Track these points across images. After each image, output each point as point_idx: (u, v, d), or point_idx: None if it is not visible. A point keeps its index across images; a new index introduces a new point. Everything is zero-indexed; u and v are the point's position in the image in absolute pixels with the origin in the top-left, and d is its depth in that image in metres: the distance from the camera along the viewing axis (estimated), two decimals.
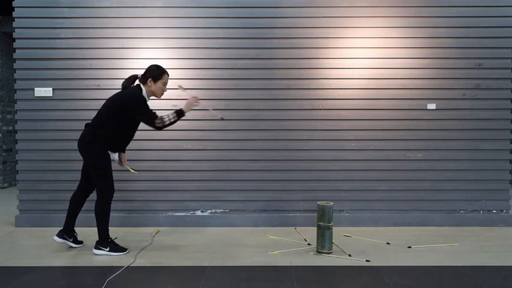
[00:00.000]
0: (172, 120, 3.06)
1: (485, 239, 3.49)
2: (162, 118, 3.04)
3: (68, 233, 3.16)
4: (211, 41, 3.88)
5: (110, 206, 3.10)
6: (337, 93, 3.91)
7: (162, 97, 3.82)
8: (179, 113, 3.10)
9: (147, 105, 3.06)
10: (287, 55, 3.88)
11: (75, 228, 3.23)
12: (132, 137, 3.22)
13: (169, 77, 3.82)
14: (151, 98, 3.17)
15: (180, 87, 3.40)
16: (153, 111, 3.11)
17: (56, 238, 3.13)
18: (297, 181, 3.93)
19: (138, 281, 2.54)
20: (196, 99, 3.18)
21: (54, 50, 3.84)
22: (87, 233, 3.48)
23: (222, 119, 3.44)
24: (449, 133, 3.93)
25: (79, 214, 3.22)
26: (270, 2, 3.87)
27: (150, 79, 3.07)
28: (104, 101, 3.81)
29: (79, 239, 3.27)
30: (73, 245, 3.19)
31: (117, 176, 3.86)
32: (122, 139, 3.13)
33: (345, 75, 3.90)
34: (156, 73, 3.09)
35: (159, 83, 3.10)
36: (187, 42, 3.87)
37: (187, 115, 3.89)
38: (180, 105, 3.86)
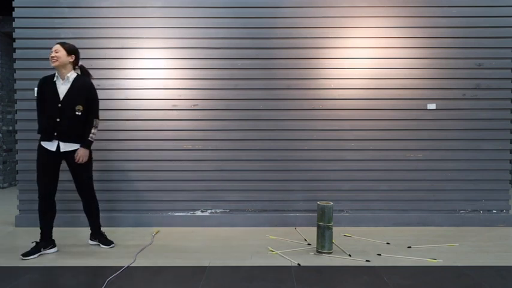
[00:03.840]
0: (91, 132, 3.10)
1: (485, 239, 3.49)
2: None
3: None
4: (211, 41, 3.88)
5: (42, 206, 3.07)
6: (337, 93, 3.91)
7: (163, 97, 3.85)
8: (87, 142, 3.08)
9: (38, 91, 3.08)
10: (287, 55, 3.88)
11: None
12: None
13: (170, 78, 3.85)
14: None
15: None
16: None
17: (90, 241, 3.33)
18: (297, 181, 3.93)
19: (138, 281, 2.54)
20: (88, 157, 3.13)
21: None
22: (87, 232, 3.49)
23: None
24: (449, 133, 3.93)
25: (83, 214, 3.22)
26: (270, 2, 3.87)
27: None
28: (104, 101, 3.85)
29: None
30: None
31: (117, 176, 3.87)
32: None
33: (345, 75, 3.90)
34: None
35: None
36: (187, 42, 3.87)
37: (187, 115, 3.91)
38: (180, 105, 3.89)
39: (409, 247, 3.24)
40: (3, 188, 6.30)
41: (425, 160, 3.94)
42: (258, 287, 2.46)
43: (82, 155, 3.04)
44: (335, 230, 3.60)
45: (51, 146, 3.02)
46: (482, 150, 3.94)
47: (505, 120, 3.93)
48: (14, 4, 3.82)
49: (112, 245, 3.23)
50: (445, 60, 3.90)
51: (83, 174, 3.12)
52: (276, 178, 3.93)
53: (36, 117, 3.87)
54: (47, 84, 3.03)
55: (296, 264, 2.82)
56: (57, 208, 3.82)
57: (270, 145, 3.92)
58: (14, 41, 3.84)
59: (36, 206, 3.89)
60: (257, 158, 3.92)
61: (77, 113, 3.01)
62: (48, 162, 3.02)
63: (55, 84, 3.02)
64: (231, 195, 3.93)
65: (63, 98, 2.99)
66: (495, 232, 3.73)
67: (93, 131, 3.10)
